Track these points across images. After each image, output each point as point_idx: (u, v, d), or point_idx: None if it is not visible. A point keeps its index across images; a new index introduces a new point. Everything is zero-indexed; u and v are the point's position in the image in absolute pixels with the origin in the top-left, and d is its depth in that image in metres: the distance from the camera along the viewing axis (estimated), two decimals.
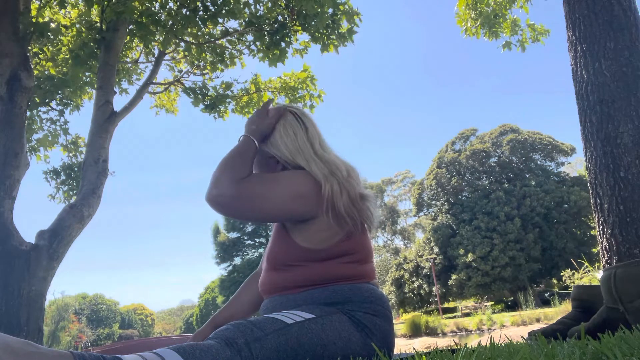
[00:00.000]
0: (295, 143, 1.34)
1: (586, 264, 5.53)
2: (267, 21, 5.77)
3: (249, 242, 32.52)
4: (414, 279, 31.23)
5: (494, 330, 17.88)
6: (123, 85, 7.12)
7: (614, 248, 2.75)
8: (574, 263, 6.37)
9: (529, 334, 1.82)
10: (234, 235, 32.40)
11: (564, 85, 65.91)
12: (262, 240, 32.40)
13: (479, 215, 28.47)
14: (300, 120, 1.39)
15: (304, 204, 1.25)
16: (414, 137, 73.76)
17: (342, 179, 1.28)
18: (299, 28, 5.73)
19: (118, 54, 5.53)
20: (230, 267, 32.43)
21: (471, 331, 20.31)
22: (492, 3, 6.11)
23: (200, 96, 6.85)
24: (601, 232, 2.86)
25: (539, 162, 31.44)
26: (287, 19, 5.69)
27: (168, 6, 5.57)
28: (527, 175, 30.64)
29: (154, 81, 6.73)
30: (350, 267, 1.28)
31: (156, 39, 5.80)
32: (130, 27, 5.47)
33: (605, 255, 2.82)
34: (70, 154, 7.12)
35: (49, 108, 6.64)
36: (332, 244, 1.26)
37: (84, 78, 6.30)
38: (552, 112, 66.89)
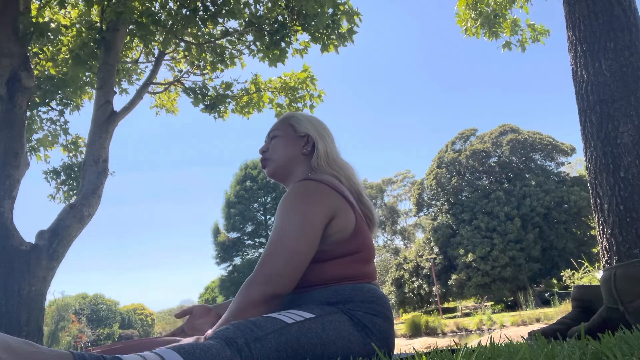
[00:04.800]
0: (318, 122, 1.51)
1: (586, 264, 5.53)
2: (267, 21, 5.77)
3: (249, 242, 32.44)
4: (414, 279, 31.23)
5: (494, 330, 17.86)
6: (123, 85, 7.13)
7: (614, 248, 2.75)
8: (574, 263, 6.36)
9: (529, 334, 1.82)
10: (234, 235, 32.32)
11: (564, 85, 65.93)
12: (262, 240, 32.35)
13: (479, 215, 28.47)
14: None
15: (319, 207, 1.24)
16: (414, 137, 73.71)
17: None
18: (299, 28, 5.73)
19: (118, 54, 5.54)
20: (230, 267, 32.35)
21: (471, 331, 20.30)
22: (492, 3, 6.12)
23: (200, 96, 6.85)
24: (601, 232, 2.86)
25: (539, 162, 31.43)
26: (287, 19, 5.68)
27: (168, 6, 5.56)
28: (527, 175, 30.63)
29: (154, 81, 6.73)
30: (353, 267, 1.28)
31: (156, 39, 5.80)
32: (130, 27, 5.46)
33: (605, 255, 2.82)
34: (70, 154, 7.12)
35: (49, 108, 6.64)
36: (337, 243, 1.26)
37: (84, 78, 6.30)
38: (552, 112, 66.89)
